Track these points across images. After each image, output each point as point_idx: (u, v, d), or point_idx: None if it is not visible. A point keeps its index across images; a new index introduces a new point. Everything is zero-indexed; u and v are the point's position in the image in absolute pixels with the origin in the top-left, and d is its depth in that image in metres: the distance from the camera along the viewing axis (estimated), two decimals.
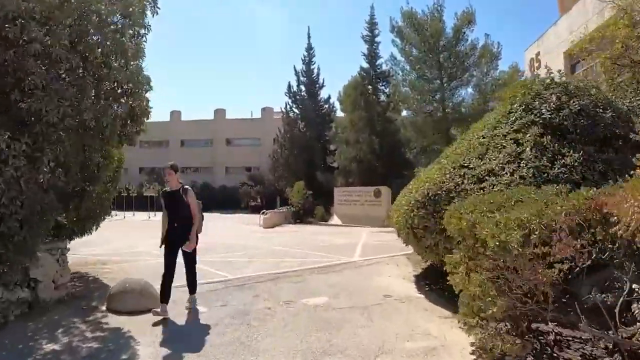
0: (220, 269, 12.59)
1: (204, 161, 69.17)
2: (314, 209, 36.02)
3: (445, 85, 36.88)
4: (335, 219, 33.09)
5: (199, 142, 70.70)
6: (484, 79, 37.12)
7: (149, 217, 42.66)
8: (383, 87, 39.16)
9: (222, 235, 23.70)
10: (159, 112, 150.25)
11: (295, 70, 47.49)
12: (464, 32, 36.21)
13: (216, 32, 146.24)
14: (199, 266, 8.80)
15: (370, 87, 38.77)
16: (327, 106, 47.80)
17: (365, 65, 39.32)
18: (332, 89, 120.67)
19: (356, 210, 31.88)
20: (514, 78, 35.76)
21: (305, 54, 48.12)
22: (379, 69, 39.24)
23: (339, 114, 48.47)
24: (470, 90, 37.79)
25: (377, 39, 39.74)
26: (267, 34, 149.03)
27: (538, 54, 31.91)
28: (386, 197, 30.45)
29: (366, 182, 34.07)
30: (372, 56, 39.08)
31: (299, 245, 18.45)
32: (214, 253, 15.96)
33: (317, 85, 47.83)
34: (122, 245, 19.29)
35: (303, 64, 47.97)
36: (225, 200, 57.45)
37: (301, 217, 36.15)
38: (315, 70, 48.02)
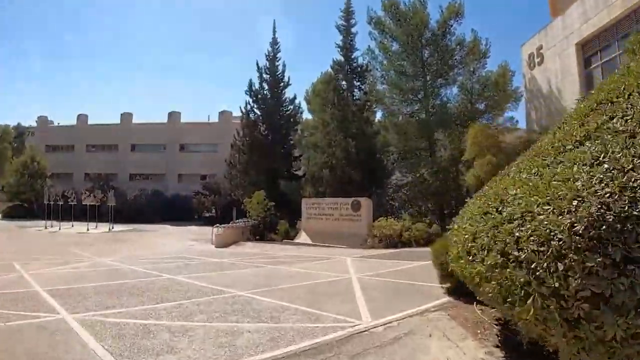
0: None
1: (156, 168, 63.03)
2: (276, 223, 29.50)
3: (428, 83, 31.20)
4: (303, 237, 26.58)
5: (151, 147, 64.15)
6: (471, 78, 31.71)
7: (88, 230, 35.95)
8: (359, 83, 32.63)
9: (153, 258, 17.88)
10: (109, 114, 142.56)
11: (258, 66, 40.95)
12: (451, 25, 30.81)
13: (176, 27, 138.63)
14: None
15: (345, 82, 32.41)
16: (292, 107, 41.28)
17: (340, 57, 32.74)
18: (298, 91, 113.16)
19: (329, 226, 25.55)
20: (505, 78, 30.85)
21: (270, 49, 41.61)
22: (354, 62, 32.72)
23: (307, 115, 42.55)
24: (455, 90, 32.29)
25: (353, 30, 33.26)
26: (232, 34, 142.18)
27: (540, 47, 27.02)
28: (367, 210, 24.25)
29: (340, 192, 27.74)
30: (347, 48, 32.52)
31: (265, 285, 11.73)
32: (92, 306, 9.26)
33: (282, 84, 41.30)
34: None
35: (267, 59, 41.42)
36: (177, 211, 52.12)
37: (261, 232, 29.66)
38: (280, 67, 41.55)
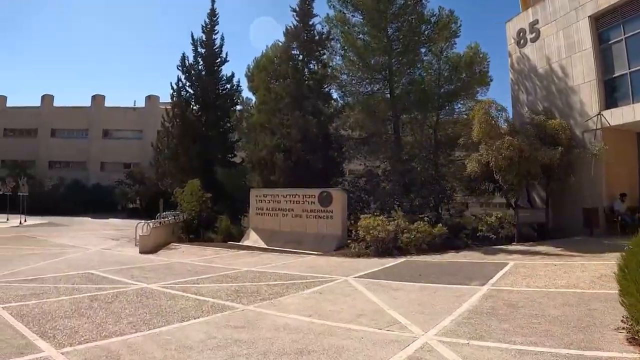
0: None
1: (78, 155, 54.06)
2: (214, 219, 22.24)
3: (394, 60, 24.86)
4: (252, 238, 19.34)
5: (72, 133, 55.55)
6: (439, 58, 25.74)
7: None
8: (317, 53, 25.41)
9: (44, 277, 11.17)
10: (29, 96, 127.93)
11: (193, 38, 33.10)
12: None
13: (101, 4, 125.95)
14: None
15: (299, 53, 25.16)
16: (229, 86, 33.75)
17: (295, 22, 25.40)
18: (236, 70, 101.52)
19: (288, 225, 18.61)
20: (474, 60, 25.45)
21: (207, 20, 33.94)
22: (312, 29, 25.52)
23: (246, 94, 35.45)
24: (420, 72, 26.17)
25: None
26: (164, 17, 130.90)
27: (535, 22, 21.86)
28: (340, 205, 17.41)
29: (295, 181, 20.66)
30: (304, 12, 25.20)
31: None
32: None
33: (219, 60, 33.66)
34: None
35: (203, 32, 33.75)
36: (99, 202, 45.01)
37: (196, 230, 22.40)
38: (218, 42, 33.99)
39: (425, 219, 16.87)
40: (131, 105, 56.85)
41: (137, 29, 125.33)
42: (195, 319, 7.05)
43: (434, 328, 6.31)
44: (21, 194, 32.62)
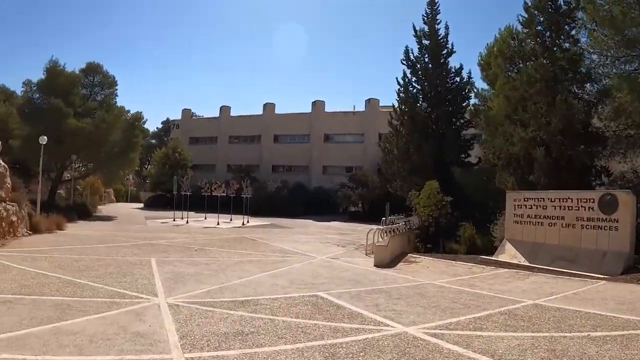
0: None
1: (299, 159, 56.84)
2: (456, 227, 19.62)
3: None
4: (508, 251, 16.28)
5: (294, 138, 58.48)
6: None
7: (218, 224, 30.54)
8: (567, 27, 21.07)
9: (257, 298, 8.57)
10: (253, 104, 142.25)
11: (415, 30, 31.07)
12: None
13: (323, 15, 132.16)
14: None
15: (547, 29, 21.17)
16: (458, 79, 30.86)
17: None
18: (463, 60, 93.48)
19: (555, 237, 15.08)
20: None
21: (427, 9, 31.59)
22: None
23: (481, 85, 31.61)
24: None
25: None
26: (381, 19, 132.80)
27: None
28: (629, 211, 13.47)
29: (558, 183, 16.99)
30: None
31: None
32: None
33: (446, 51, 31.03)
34: None
35: (424, 22, 31.46)
36: (320, 204, 46.31)
37: (432, 239, 20.08)
38: (442, 31, 31.34)
39: None
40: (350, 109, 57.48)
41: (345, 36, 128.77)
42: None
43: None
44: (245, 195, 34.31)
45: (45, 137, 24.26)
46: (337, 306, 8.53)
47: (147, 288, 9.45)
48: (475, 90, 29.25)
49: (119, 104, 36.78)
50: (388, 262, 14.76)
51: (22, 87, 34.53)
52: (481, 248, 18.48)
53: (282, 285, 10.48)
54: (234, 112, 62.15)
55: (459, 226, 19.61)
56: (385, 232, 17.08)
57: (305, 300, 8.96)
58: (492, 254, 17.02)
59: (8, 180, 17.98)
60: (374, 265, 14.28)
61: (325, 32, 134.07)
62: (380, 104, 53.96)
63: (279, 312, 7.91)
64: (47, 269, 11.05)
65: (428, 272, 13.55)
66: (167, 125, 79.07)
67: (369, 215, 38.75)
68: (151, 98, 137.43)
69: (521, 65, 21.45)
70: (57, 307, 7.45)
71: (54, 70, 33.03)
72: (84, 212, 32.09)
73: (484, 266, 14.75)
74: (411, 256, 17.02)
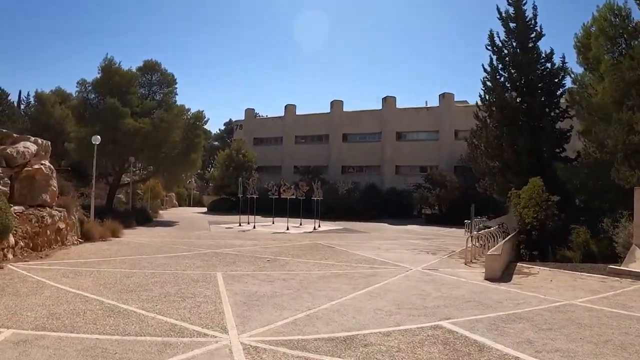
0: None
1: (370, 158, 54.31)
2: (566, 231, 16.78)
3: None
4: (639, 258, 13.52)
5: (364, 137, 55.96)
6: None
7: (287, 229, 28.72)
8: None
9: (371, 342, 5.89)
10: (320, 103, 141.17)
11: (499, 12, 27.91)
12: None
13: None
14: None
15: None
16: (549, 65, 27.56)
17: None
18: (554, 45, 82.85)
19: None
20: None
21: None
22: None
23: (576, 70, 28.32)
24: None
25: None
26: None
27: None
28: None
29: None
30: None
31: None
32: None
33: (534, 34, 27.79)
34: None
35: (509, 4, 28.35)
36: (394, 206, 44.15)
37: (535, 244, 17.38)
38: (530, 13, 28.12)
39: None
40: (423, 105, 54.71)
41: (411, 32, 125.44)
42: None
43: None
44: (315, 198, 32.46)
45: (99, 137, 22.94)
46: (478, 345, 6.23)
47: (213, 318, 7.40)
48: (572, 75, 25.96)
49: (178, 104, 35.69)
50: (500, 275, 12.25)
51: (77, 87, 33.62)
52: (596, 254, 15.73)
53: (387, 310, 8.21)
54: (299, 111, 60.51)
55: (569, 230, 16.78)
56: (485, 237, 14.66)
57: (429, 335, 6.69)
58: (610, 261, 14.39)
59: (54, 183, 16.69)
60: (485, 279, 11.85)
61: (393, 29, 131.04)
62: (455, 99, 51.30)
63: (402, 358, 5.65)
64: (88, 289, 9.31)
65: (554, 287, 11.01)
66: (230, 126, 78.74)
67: (447, 217, 36.38)
68: (212, 100, 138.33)
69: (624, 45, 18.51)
70: (86, 355, 5.44)
71: (109, 69, 32.34)
72: (143, 217, 31.33)
73: (618, 278, 12.14)
74: (522, 266, 14.50)
